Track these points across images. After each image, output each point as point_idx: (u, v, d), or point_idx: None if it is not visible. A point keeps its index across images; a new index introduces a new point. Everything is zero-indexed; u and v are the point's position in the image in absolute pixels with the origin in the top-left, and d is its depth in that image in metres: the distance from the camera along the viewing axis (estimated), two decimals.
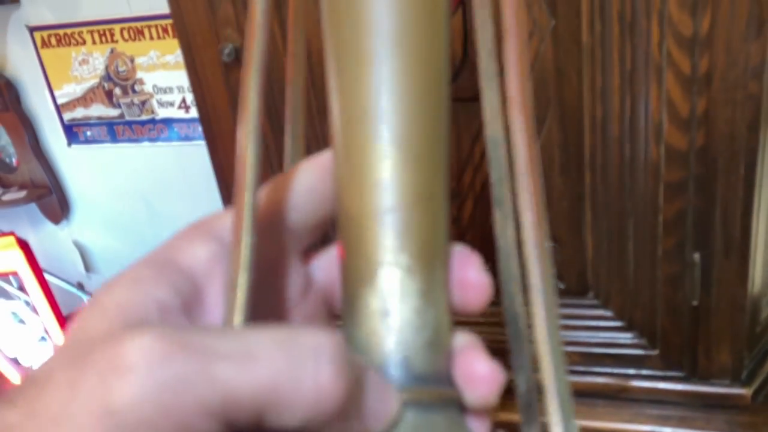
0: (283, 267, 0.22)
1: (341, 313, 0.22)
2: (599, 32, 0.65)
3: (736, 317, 0.73)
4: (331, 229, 0.23)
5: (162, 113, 1.48)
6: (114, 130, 1.56)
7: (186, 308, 0.20)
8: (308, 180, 0.22)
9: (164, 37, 1.38)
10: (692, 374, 0.76)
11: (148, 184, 1.60)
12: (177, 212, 1.61)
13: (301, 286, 0.23)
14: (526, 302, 0.20)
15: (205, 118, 0.85)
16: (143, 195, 1.63)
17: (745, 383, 0.76)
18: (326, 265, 0.24)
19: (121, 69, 1.47)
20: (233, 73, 0.79)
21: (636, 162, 0.69)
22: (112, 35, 1.44)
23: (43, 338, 1.30)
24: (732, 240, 0.69)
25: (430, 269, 0.21)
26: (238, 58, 0.77)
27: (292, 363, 0.17)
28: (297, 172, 0.23)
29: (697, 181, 0.67)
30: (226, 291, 0.20)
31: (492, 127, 0.22)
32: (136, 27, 1.41)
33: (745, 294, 0.72)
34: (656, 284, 0.73)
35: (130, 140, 1.55)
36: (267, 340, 0.17)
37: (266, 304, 0.22)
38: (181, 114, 1.47)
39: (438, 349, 0.20)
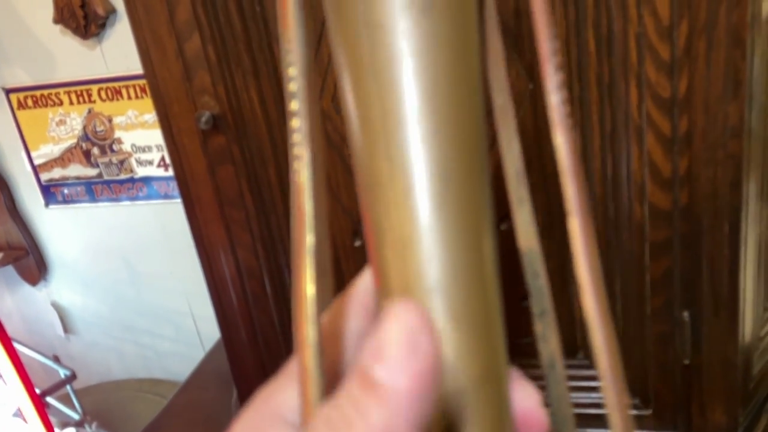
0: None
1: None
2: (578, 95, 0.65)
3: (728, 374, 0.72)
4: None
5: (141, 172, 1.47)
6: (92, 190, 1.54)
7: None
8: (358, 325, 0.21)
9: (142, 97, 1.38)
10: None
11: (127, 243, 1.58)
12: (158, 271, 1.58)
13: None
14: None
15: (183, 184, 0.84)
16: (123, 254, 1.60)
17: None
18: None
19: (99, 129, 1.46)
20: (211, 140, 0.78)
21: (620, 222, 0.68)
22: (89, 95, 1.43)
23: (15, 414, 1.25)
24: (720, 297, 0.68)
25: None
26: (215, 125, 0.76)
27: None
28: (345, 317, 0.21)
29: (682, 240, 0.66)
30: None
31: (529, 251, 0.21)
32: (114, 87, 1.40)
33: (736, 350, 0.71)
34: (646, 343, 0.72)
35: (108, 199, 1.54)
36: None
37: None
38: (160, 172, 1.45)
39: None
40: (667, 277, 0.68)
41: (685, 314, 0.69)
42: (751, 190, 0.66)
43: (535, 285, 0.21)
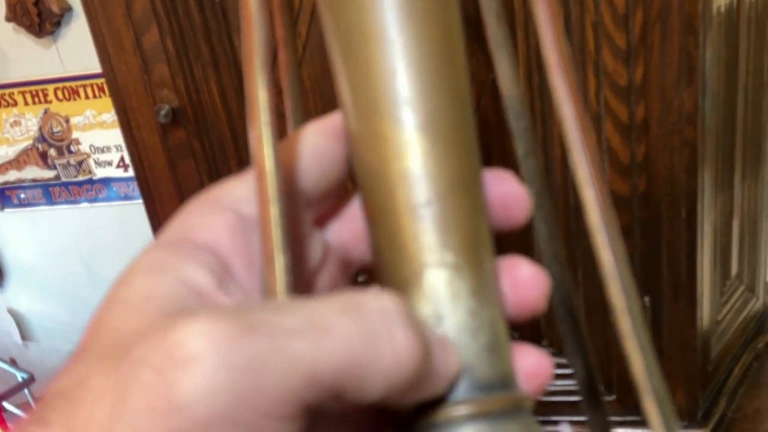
0: (301, 235, 0.20)
1: None
2: (537, 83, 0.66)
3: (687, 358, 0.73)
4: (342, 191, 0.22)
5: (100, 173, 1.44)
6: (50, 192, 1.50)
7: (220, 286, 0.18)
8: (316, 142, 0.20)
9: (100, 96, 1.35)
10: None
11: (87, 246, 1.55)
12: (119, 274, 1.55)
13: (320, 253, 0.21)
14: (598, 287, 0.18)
15: (142, 180, 0.82)
16: (83, 258, 1.57)
17: (702, 423, 0.76)
18: (339, 228, 0.22)
19: (55, 129, 1.43)
20: (171, 134, 0.77)
21: (580, 210, 0.69)
22: (45, 95, 1.40)
23: None
24: (679, 282, 0.69)
25: (478, 263, 0.19)
26: (175, 119, 0.75)
27: (365, 332, 0.16)
28: (302, 136, 0.20)
29: (641, 226, 0.67)
30: (263, 263, 0.18)
31: (510, 94, 0.20)
32: (71, 86, 1.37)
33: (695, 334, 0.72)
34: (609, 330, 0.73)
35: (67, 202, 1.50)
36: (334, 310, 0.16)
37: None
38: (119, 173, 1.43)
39: (499, 350, 0.19)
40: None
41: (645, 299, 0.70)
42: (706, 177, 0.67)
43: (518, 126, 0.20)
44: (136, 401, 0.14)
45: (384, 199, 0.19)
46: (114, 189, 1.45)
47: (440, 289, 0.18)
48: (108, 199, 1.47)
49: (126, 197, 1.45)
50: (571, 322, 0.19)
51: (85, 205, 1.49)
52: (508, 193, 0.20)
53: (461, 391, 0.18)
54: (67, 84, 1.37)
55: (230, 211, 0.19)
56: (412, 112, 0.18)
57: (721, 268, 0.77)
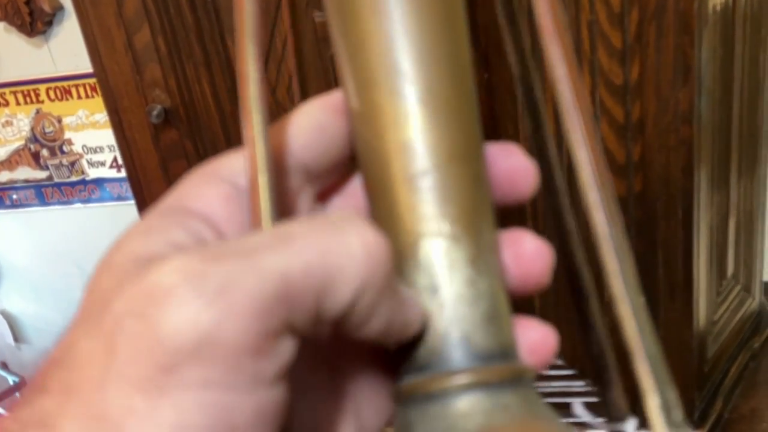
0: (302, 211, 0.21)
1: None
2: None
3: (684, 358, 0.73)
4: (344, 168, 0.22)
5: (93, 173, 1.43)
6: (42, 193, 1.49)
7: None
8: (317, 118, 0.20)
9: (93, 96, 1.34)
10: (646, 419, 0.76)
11: (80, 247, 1.54)
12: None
13: None
14: (593, 256, 0.18)
15: (135, 181, 0.81)
16: (76, 259, 1.56)
17: (698, 424, 0.76)
18: (341, 203, 0.22)
19: (47, 130, 1.42)
20: (163, 135, 0.77)
21: (577, 209, 0.68)
22: (37, 95, 1.39)
23: None
24: (675, 282, 0.69)
25: (476, 233, 0.18)
26: (167, 119, 0.75)
27: (333, 233, 0.16)
28: (303, 111, 0.21)
29: (637, 226, 0.67)
30: (250, 230, 0.18)
31: (519, 67, 0.20)
32: (63, 86, 1.36)
33: (691, 335, 0.72)
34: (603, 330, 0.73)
35: (60, 203, 1.49)
36: (300, 224, 0.17)
37: None
38: (113, 173, 1.42)
39: (498, 320, 0.18)
40: None
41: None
42: (702, 177, 0.67)
43: (528, 100, 0.20)
44: (124, 350, 0.14)
45: (381, 171, 0.19)
46: (107, 189, 1.44)
47: (436, 259, 0.18)
48: (101, 199, 1.46)
49: (119, 198, 1.44)
50: (579, 297, 0.19)
51: (78, 205, 1.48)
52: (515, 167, 0.20)
53: (459, 360, 0.18)
54: (59, 84, 1.36)
55: (227, 182, 0.19)
56: (409, 84, 0.18)
57: (717, 267, 0.76)
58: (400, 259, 0.18)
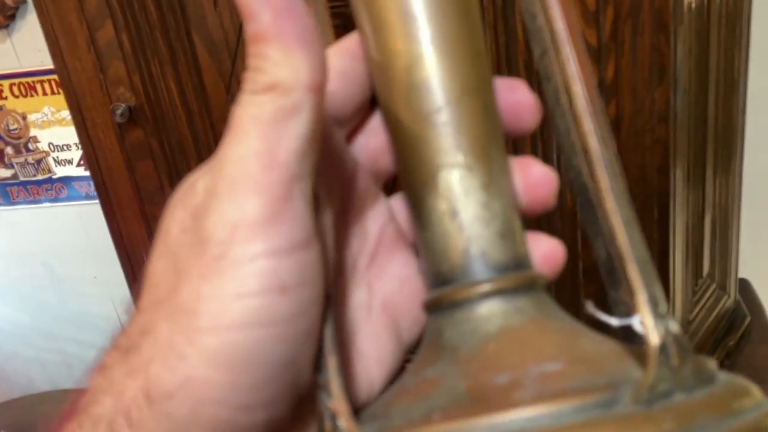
0: (334, 153, 0.22)
1: (410, 217, 0.22)
2: None
3: None
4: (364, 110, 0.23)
5: (60, 172, 1.40)
6: (7, 192, 1.45)
7: None
8: (339, 65, 0.22)
9: (59, 93, 1.31)
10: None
11: (48, 247, 1.50)
12: (81, 276, 1.51)
13: (351, 167, 0.23)
14: (591, 173, 0.20)
15: (99, 182, 0.79)
16: (43, 259, 1.52)
17: None
18: (366, 141, 0.23)
19: (12, 127, 1.38)
20: (128, 134, 0.74)
21: (552, 209, 0.68)
22: (0, 92, 1.34)
23: None
24: None
25: (487, 161, 0.21)
26: (132, 118, 0.72)
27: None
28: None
29: None
30: None
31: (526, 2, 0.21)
32: (27, 82, 1.32)
33: None
34: None
35: (26, 202, 1.45)
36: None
37: (326, 189, 0.21)
38: (80, 172, 1.38)
39: (511, 236, 0.21)
40: None
41: None
42: (678, 176, 0.66)
43: (534, 26, 0.21)
44: (185, 257, 0.18)
45: (399, 110, 0.21)
46: (75, 188, 1.41)
47: (453, 187, 0.20)
48: (69, 198, 1.42)
49: (88, 196, 1.41)
50: (589, 209, 0.21)
51: (46, 204, 1.45)
52: (519, 101, 0.22)
53: (478, 272, 0.20)
54: (24, 80, 1.32)
55: None
56: (421, 27, 0.20)
57: (693, 267, 0.76)
58: (423, 188, 0.21)
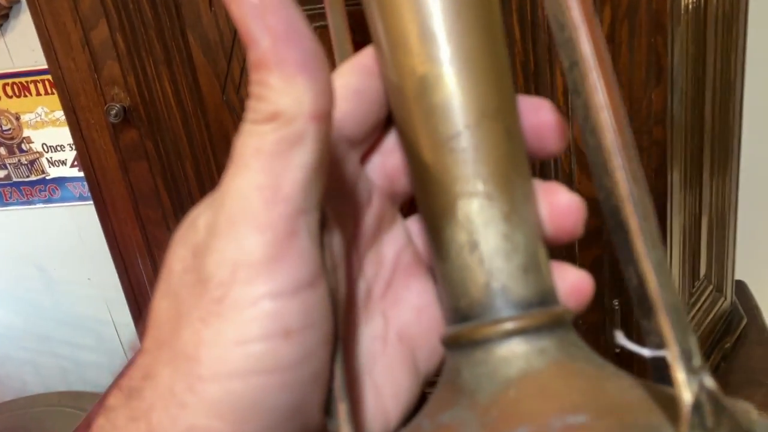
0: (346, 177, 0.21)
1: (428, 246, 0.21)
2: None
3: None
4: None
5: (53, 172, 1.39)
6: (0, 193, 1.44)
7: None
8: (352, 83, 0.21)
9: (52, 93, 1.30)
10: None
11: (41, 248, 1.49)
12: (75, 277, 1.50)
13: (366, 189, 0.22)
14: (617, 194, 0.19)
15: (93, 183, 0.78)
16: (36, 261, 1.52)
17: None
18: (382, 161, 0.22)
19: (5, 127, 1.37)
20: (122, 135, 0.74)
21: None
22: None
23: None
24: None
25: (509, 189, 0.20)
26: (127, 118, 0.72)
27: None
28: (338, 78, 0.21)
29: None
30: None
31: (553, 9, 0.20)
32: (21, 82, 1.31)
33: None
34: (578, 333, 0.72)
35: (20, 203, 1.44)
36: None
37: (338, 216, 0.21)
38: (74, 173, 1.37)
39: (534, 269, 0.20)
40: (597, 265, 0.67)
41: (615, 303, 0.69)
42: (675, 178, 0.66)
43: (562, 37, 0.20)
44: (186, 299, 0.18)
45: (416, 134, 0.20)
46: (68, 189, 1.40)
47: (473, 217, 0.19)
48: (63, 199, 1.42)
49: (81, 197, 1.40)
50: (621, 234, 0.19)
51: (39, 205, 1.44)
52: (543, 122, 0.20)
53: (499, 309, 0.19)
54: (17, 80, 1.32)
55: None
56: (441, 46, 0.19)
57: (690, 269, 0.76)
58: (441, 217, 0.20)
